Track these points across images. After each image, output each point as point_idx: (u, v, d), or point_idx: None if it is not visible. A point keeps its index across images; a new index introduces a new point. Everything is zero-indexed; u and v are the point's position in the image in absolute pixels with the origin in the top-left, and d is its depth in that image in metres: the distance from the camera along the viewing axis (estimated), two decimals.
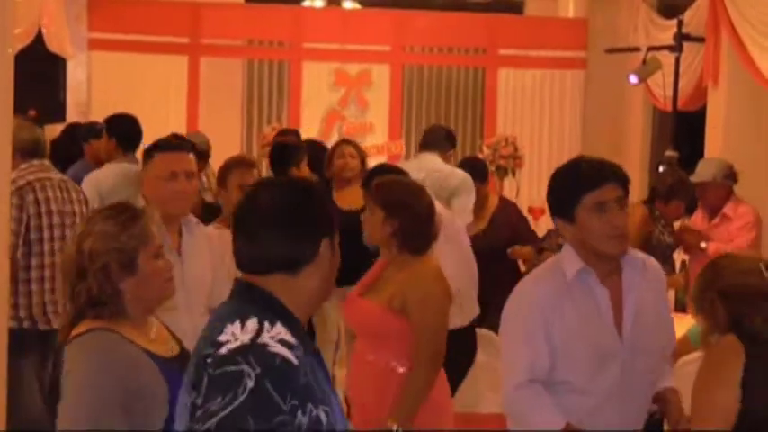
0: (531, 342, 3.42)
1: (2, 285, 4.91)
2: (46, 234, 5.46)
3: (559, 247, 7.35)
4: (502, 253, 7.04)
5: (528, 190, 10.73)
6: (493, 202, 7.32)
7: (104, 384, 2.85)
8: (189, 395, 2.31)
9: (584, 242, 3.39)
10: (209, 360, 2.27)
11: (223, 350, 2.26)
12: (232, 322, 2.32)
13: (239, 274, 2.51)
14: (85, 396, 2.85)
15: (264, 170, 8.00)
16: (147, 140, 10.26)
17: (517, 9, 12.41)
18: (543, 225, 8.48)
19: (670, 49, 9.18)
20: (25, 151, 5.52)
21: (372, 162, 11.16)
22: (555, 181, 3.48)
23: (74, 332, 2.99)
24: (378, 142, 11.38)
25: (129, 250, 3.01)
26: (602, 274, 3.43)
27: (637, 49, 9.89)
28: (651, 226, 6.82)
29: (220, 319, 2.38)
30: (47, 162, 5.72)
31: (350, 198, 6.69)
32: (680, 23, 9.19)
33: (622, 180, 3.40)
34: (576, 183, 3.37)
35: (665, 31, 9.69)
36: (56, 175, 5.69)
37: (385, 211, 4.34)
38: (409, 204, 4.36)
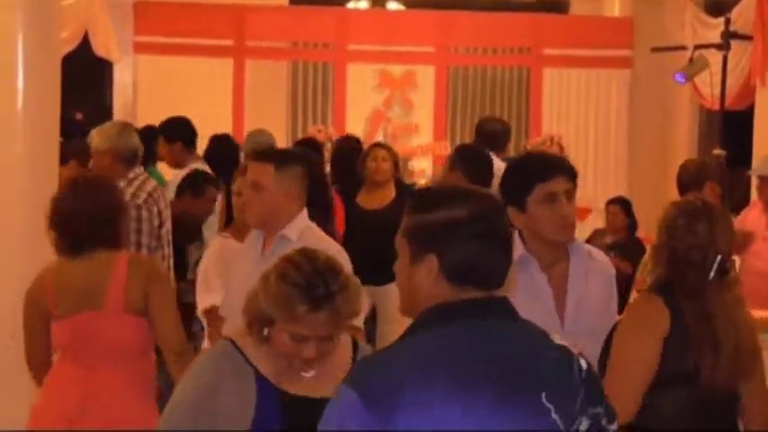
0: None
1: None
2: (162, 241, 5.61)
3: (605, 247, 7.25)
4: None
5: None
6: None
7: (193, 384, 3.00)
8: (585, 409, 2.30)
9: (533, 230, 3.56)
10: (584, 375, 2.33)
11: (582, 363, 2.34)
12: (549, 337, 2.39)
13: None
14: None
15: None
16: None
17: (562, 8, 12.36)
18: (589, 225, 8.42)
19: (717, 47, 9.08)
20: (127, 159, 5.57)
21: (417, 163, 11.21)
22: (507, 172, 3.69)
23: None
24: (423, 143, 11.38)
25: (269, 314, 2.92)
26: (548, 262, 3.60)
27: (683, 48, 9.81)
28: None
29: (535, 338, 2.41)
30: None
31: (379, 198, 7.01)
32: (727, 21, 9.10)
33: (570, 173, 3.59)
34: (528, 174, 3.56)
35: (713, 30, 9.60)
36: (155, 182, 5.78)
37: None
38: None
